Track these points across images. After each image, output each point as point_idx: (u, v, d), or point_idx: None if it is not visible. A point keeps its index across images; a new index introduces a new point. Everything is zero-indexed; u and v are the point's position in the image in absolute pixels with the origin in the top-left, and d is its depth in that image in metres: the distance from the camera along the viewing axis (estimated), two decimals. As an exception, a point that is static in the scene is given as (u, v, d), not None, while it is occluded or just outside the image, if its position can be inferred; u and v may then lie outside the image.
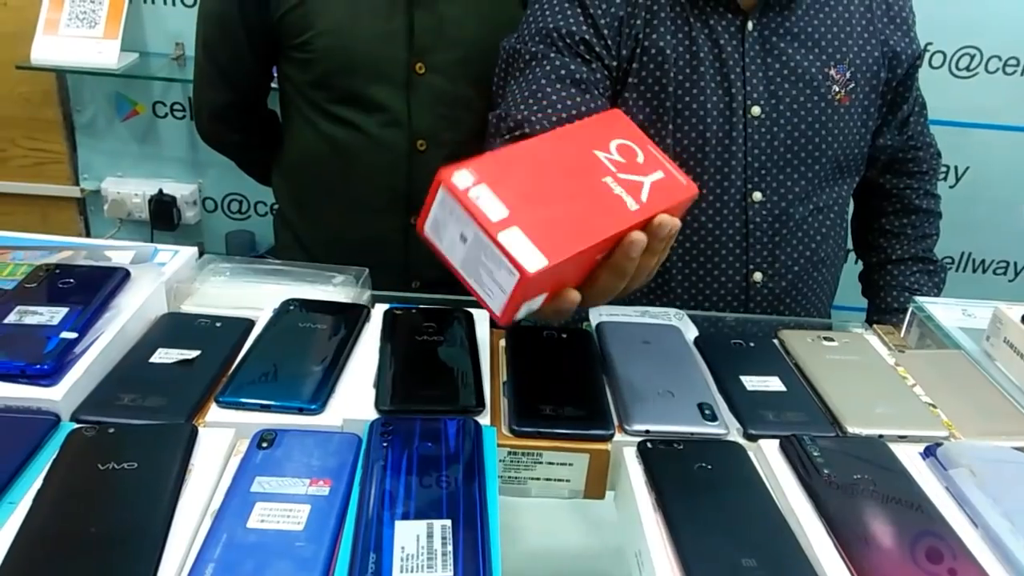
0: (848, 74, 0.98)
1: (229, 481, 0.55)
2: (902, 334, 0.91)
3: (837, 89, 0.97)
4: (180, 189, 1.83)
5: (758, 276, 1.00)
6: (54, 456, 0.56)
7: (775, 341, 0.80)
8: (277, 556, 0.49)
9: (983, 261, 1.98)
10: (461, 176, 0.50)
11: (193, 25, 1.67)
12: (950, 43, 1.72)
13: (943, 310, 0.91)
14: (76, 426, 0.59)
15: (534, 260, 0.47)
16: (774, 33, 0.96)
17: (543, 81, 0.92)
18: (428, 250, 1.23)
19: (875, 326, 0.89)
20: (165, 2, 1.68)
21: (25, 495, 0.53)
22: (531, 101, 0.91)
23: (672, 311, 0.85)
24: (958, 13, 1.68)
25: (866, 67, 0.99)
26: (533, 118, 0.90)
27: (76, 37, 1.62)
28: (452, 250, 0.51)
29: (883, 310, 1.15)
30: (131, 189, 1.82)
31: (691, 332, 0.82)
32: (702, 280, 1.00)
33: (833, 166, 1.01)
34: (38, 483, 0.54)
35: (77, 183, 1.85)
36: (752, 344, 0.78)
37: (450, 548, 0.49)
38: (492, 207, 0.49)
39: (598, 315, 0.82)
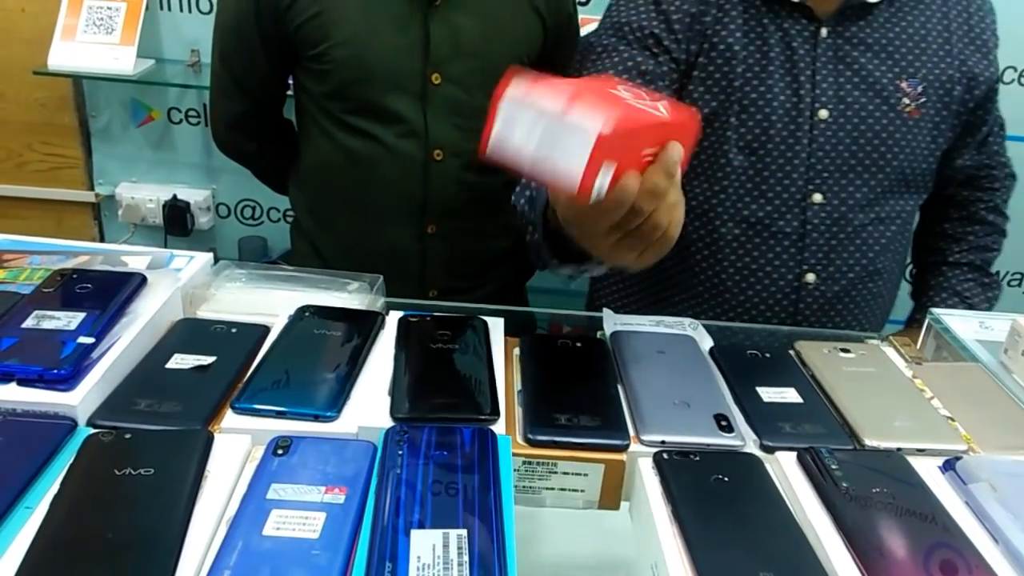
0: (920, 89, 0.99)
1: (245, 488, 0.55)
2: (918, 346, 0.90)
3: (907, 102, 0.99)
4: (194, 195, 1.84)
5: (811, 277, 1.01)
6: (71, 461, 0.56)
7: (791, 352, 0.79)
8: (293, 564, 0.49)
9: (997, 273, 1.96)
10: (517, 84, 0.55)
11: (209, 32, 1.68)
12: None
13: (960, 322, 0.90)
14: (93, 431, 0.59)
15: (606, 120, 0.51)
16: (847, 42, 0.98)
17: (611, 72, 0.96)
18: (444, 258, 1.23)
19: (892, 337, 0.89)
20: (181, 9, 1.69)
21: (42, 500, 0.53)
22: None
23: (687, 321, 0.85)
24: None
25: (939, 84, 1.00)
26: None
27: (93, 43, 1.63)
28: (521, 152, 0.54)
29: (928, 310, 1.13)
30: (145, 194, 1.83)
31: (706, 342, 0.81)
32: (754, 275, 1.01)
33: (898, 177, 1.01)
34: (55, 488, 0.54)
35: (92, 188, 1.86)
36: (768, 355, 0.78)
37: (466, 558, 0.49)
38: (553, 98, 0.53)
39: (612, 324, 0.82)
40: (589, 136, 0.51)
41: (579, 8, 1.57)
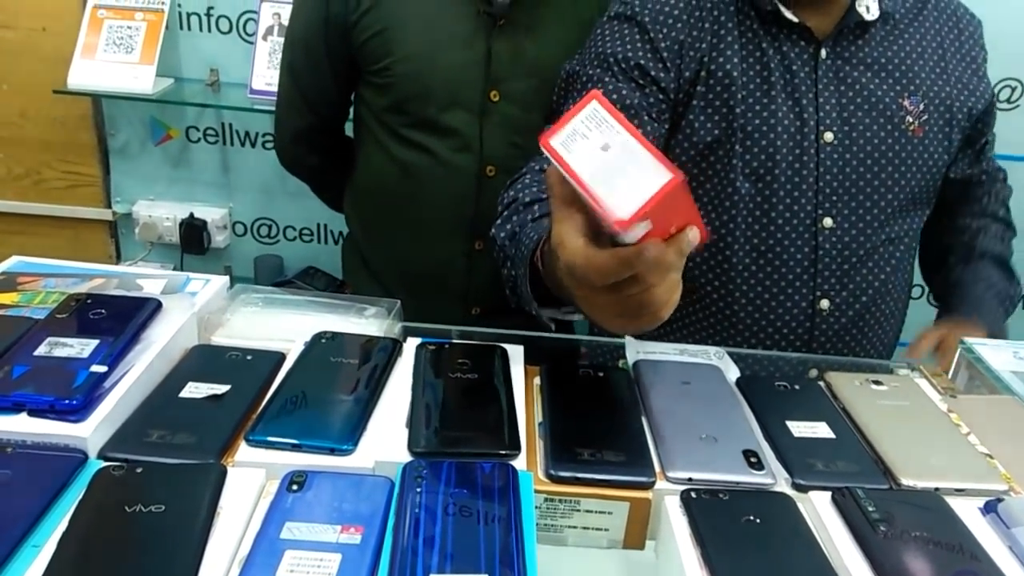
0: (921, 106, 0.97)
1: (258, 525, 0.54)
2: (950, 375, 0.88)
3: (911, 120, 0.97)
4: (211, 213, 1.84)
5: (825, 304, 0.99)
6: (80, 496, 0.54)
7: (821, 384, 0.77)
8: (307, 609, 0.47)
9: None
10: (604, 99, 0.54)
11: (228, 52, 1.70)
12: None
13: (992, 352, 0.87)
14: (103, 464, 0.57)
15: (677, 175, 0.51)
16: (847, 62, 0.96)
17: None
18: (489, 276, 1.22)
19: (923, 367, 0.86)
20: (201, 29, 1.70)
21: (50, 538, 0.51)
22: None
23: (712, 349, 0.82)
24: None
25: (939, 100, 0.99)
26: None
27: (113, 62, 1.64)
28: (583, 159, 0.53)
29: (967, 301, 1.08)
30: (162, 212, 1.83)
31: (732, 372, 0.79)
32: (767, 304, 0.99)
33: (907, 197, 0.99)
34: (63, 525, 0.52)
35: (109, 206, 1.86)
36: (797, 386, 0.76)
37: (487, 605, 0.47)
38: (632, 128, 0.53)
39: (635, 353, 0.80)
40: (662, 178, 0.50)
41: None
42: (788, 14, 0.94)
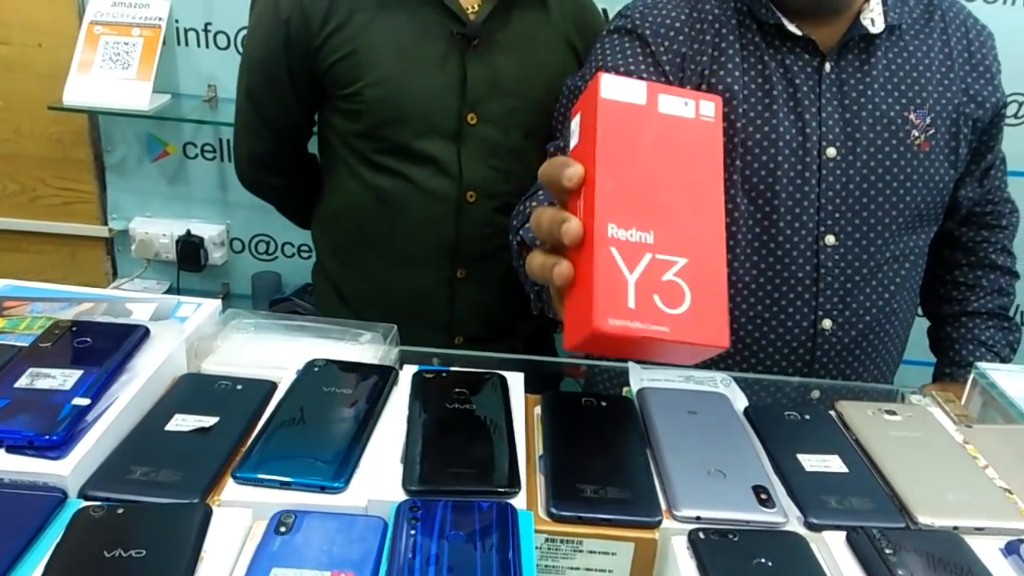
0: (928, 119, 0.95)
1: (244, 571, 0.51)
2: (963, 402, 0.85)
3: (917, 134, 0.94)
4: (208, 230, 1.82)
5: (827, 323, 0.96)
6: (58, 539, 0.52)
7: (832, 413, 0.74)
8: (293, 665, 0.44)
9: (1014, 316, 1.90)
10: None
11: (225, 68, 1.68)
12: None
13: (1006, 378, 0.85)
14: (83, 504, 0.55)
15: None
16: (852, 76, 0.94)
17: None
18: (473, 305, 1.19)
19: (936, 393, 0.83)
20: (198, 44, 1.68)
21: (24, 586, 0.49)
22: None
23: (719, 376, 0.80)
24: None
25: (946, 114, 0.96)
26: None
27: (109, 78, 1.62)
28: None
29: (956, 363, 1.10)
30: (159, 229, 1.81)
31: (740, 400, 0.76)
32: (767, 323, 0.96)
33: (912, 213, 0.97)
34: (39, 570, 0.49)
35: (105, 223, 1.84)
36: (807, 416, 0.73)
37: (485, 660, 0.44)
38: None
39: (639, 380, 0.77)
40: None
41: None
42: (792, 27, 0.93)
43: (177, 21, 1.67)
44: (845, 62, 0.94)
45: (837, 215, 0.94)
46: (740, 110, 0.93)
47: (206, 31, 1.67)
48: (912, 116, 0.95)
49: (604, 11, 1.51)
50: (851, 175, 0.94)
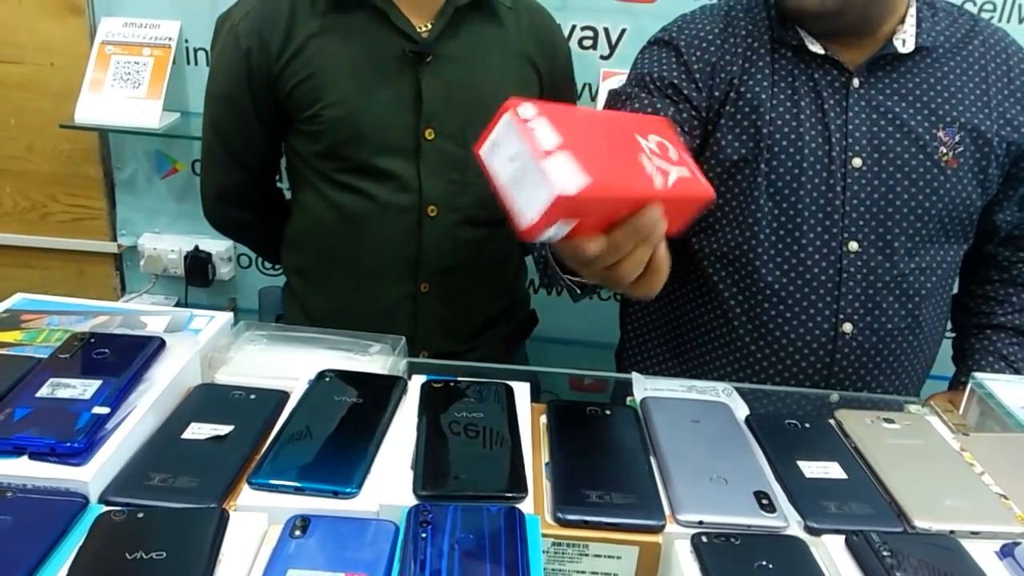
0: (957, 137, 0.98)
1: (260, 573, 0.53)
2: (960, 411, 0.86)
3: (944, 151, 0.97)
4: (215, 245, 1.84)
5: (848, 327, 0.99)
6: (81, 542, 0.53)
7: (831, 422, 0.76)
8: (310, 662, 0.46)
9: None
10: (526, 108, 0.56)
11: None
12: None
13: (1004, 388, 0.86)
14: (104, 509, 0.57)
15: (571, 183, 0.52)
16: (881, 92, 0.98)
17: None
18: (437, 319, 1.20)
19: (934, 403, 0.85)
20: (208, 64, 1.71)
21: (49, 586, 0.50)
22: None
23: (720, 385, 0.81)
24: None
25: (977, 134, 0.99)
26: None
27: (120, 97, 1.64)
28: (502, 169, 0.56)
29: (974, 373, 1.10)
30: (167, 245, 1.83)
31: (741, 409, 0.78)
32: (788, 323, 1.00)
33: (937, 227, 0.99)
34: (64, 571, 0.51)
35: (115, 239, 1.86)
36: (808, 424, 0.75)
37: (495, 657, 0.46)
38: (546, 136, 0.54)
39: (643, 390, 0.79)
40: (549, 193, 0.53)
41: (602, 61, 1.59)
42: (814, 47, 0.97)
43: (187, 41, 1.69)
44: (875, 79, 0.98)
45: (861, 222, 0.97)
46: (767, 117, 0.97)
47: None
48: (941, 133, 0.98)
49: (604, 29, 1.55)
50: (876, 185, 0.97)
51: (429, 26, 1.07)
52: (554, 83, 1.17)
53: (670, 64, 1.01)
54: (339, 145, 1.08)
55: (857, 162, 0.97)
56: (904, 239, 0.99)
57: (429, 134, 1.07)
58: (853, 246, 0.98)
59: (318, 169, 1.11)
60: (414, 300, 1.14)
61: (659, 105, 0.99)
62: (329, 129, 1.07)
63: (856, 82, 0.97)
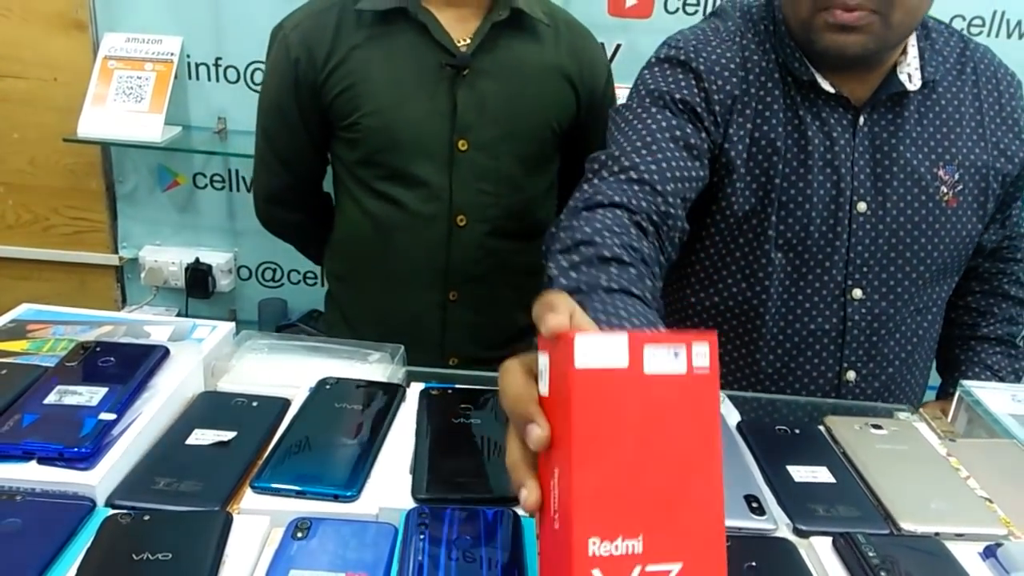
0: (956, 175, 0.95)
1: (263, 573, 0.54)
2: (949, 418, 0.88)
3: (945, 190, 0.95)
4: (216, 257, 1.86)
5: (851, 375, 0.97)
6: (89, 544, 0.55)
7: (820, 428, 0.78)
8: (312, 658, 0.47)
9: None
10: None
11: (236, 101, 1.73)
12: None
13: (991, 395, 0.88)
14: (111, 512, 0.58)
15: None
16: (884, 130, 0.94)
17: (657, 135, 0.88)
18: (466, 326, 1.23)
19: (923, 410, 0.87)
20: (209, 78, 1.73)
21: (58, 586, 0.52)
22: (644, 152, 0.86)
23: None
24: None
25: (975, 170, 0.96)
26: (644, 167, 0.85)
27: (122, 111, 1.67)
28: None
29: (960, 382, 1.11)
30: (168, 257, 1.85)
31: (733, 416, 0.80)
32: (792, 373, 0.98)
33: (938, 267, 0.98)
34: (72, 572, 0.53)
35: (116, 251, 1.88)
36: (797, 431, 0.76)
37: (491, 653, 0.47)
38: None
39: (637, 397, 0.80)
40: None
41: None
42: (825, 84, 0.92)
43: (189, 56, 1.72)
44: (878, 115, 0.94)
45: (865, 269, 0.95)
46: (779, 167, 0.93)
47: (216, 65, 1.73)
48: (941, 172, 0.95)
49: (602, 44, 1.58)
50: (880, 230, 0.94)
51: (468, 40, 1.10)
52: (592, 102, 1.19)
53: (689, 86, 0.92)
54: (376, 152, 1.12)
55: (862, 206, 0.93)
56: (908, 283, 0.96)
57: (462, 145, 1.11)
58: (857, 293, 0.95)
59: (357, 176, 1.15)
60: (443, 308, 1.17)
61: (674, 121, 0.90)
62: (367, 137, 1.11)
63: (861, 119, 0.93)
